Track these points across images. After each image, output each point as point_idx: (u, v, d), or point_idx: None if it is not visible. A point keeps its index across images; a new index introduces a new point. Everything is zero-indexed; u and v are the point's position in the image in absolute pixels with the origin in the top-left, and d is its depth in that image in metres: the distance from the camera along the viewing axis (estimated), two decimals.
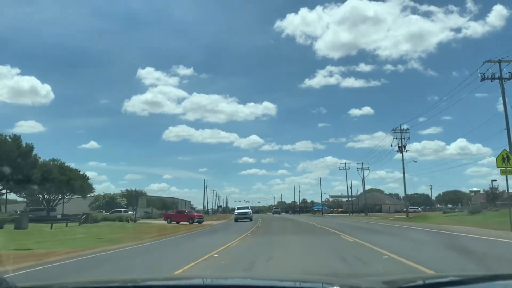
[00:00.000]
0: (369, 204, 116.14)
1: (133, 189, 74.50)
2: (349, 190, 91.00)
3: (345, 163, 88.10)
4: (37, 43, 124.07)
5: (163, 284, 2.61)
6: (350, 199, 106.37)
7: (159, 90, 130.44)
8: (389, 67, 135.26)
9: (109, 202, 65.32)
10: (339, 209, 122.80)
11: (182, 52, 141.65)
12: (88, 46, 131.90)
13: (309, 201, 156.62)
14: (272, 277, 4.31)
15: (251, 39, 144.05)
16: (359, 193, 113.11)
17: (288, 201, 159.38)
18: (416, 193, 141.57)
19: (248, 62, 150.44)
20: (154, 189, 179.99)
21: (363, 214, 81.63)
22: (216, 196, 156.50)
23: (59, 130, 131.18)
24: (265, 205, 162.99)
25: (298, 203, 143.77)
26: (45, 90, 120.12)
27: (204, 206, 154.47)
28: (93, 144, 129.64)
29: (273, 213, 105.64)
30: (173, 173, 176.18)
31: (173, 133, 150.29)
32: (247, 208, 52.67)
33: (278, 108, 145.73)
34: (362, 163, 76.93)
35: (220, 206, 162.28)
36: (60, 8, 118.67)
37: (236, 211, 52.24)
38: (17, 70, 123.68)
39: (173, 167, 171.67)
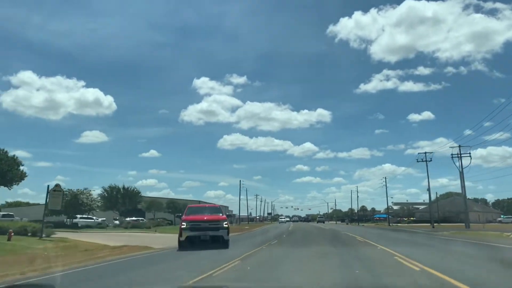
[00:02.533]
0: (451, 211, 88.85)
1: (120, 186, 53.36)
2: (428, 192, 63.87)
3: (425, 153, 61.34)
4: (100, 57, 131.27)
5: None
6: (425, 205, 78.79)
7: (214, 99, 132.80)
8: (450, 69, 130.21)
9: (73, 204, 44.28)
10: (411, 218, 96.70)
11: (235, 61, 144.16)
12: (147, 58, 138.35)
13: (368, 208, 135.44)
14: None
15: (304, 46, 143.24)
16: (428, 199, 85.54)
17: (344, 209, 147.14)
18: (510, 198, 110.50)
19: (301, 68, 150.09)
20: (211, 196, 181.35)
21: (451, 224, 55.36)
22: (261, 202, 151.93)
23: (121, 139, 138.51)
24: (319, 213, 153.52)
25: (356, 211, 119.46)
26: (108, 102, 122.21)
27: (249, 213, 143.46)
28: (153, 152, 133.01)
29: (317, 222, 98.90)
30: (229, 181, 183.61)
31: (227, 141, 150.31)
32: None
33: (332, 114, 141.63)
34: (460, 146, 49.74)
35: (270, 213, 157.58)
36: (121, 23, 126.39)
37: None
38: (83, 83, 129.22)
39: (228, 174, 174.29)
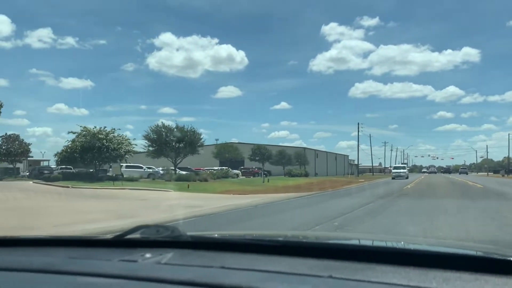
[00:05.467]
0: None
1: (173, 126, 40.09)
2: None
3: None
4: (230, 13, 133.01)
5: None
6: None
7: (343, 45, 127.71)
8: None
9: (87, 147, 32.46)
10: None
11: (366, 1, 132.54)
12: (274, 8, 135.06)
13: None
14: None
15: None
16: None
17: (496, 158, 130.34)
18: None
19: (442, 3, 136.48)
20: (343, 146, 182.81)
21: None
22: (391, 151, 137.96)
23: (253, 93, 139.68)
24: (464, 163, 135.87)
25: None
26: (240, 57, 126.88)
27: (378, 163, 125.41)
28: (284, 104, 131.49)
29: (460, 173, 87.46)
30: (361, 131, 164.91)
31: (359, 89, 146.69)
32: None
33: (481, 53, 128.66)
34: None
35: (405, 163, 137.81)
36: None
37: None
38: (216, 40, 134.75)
39: (361, 124, 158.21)
